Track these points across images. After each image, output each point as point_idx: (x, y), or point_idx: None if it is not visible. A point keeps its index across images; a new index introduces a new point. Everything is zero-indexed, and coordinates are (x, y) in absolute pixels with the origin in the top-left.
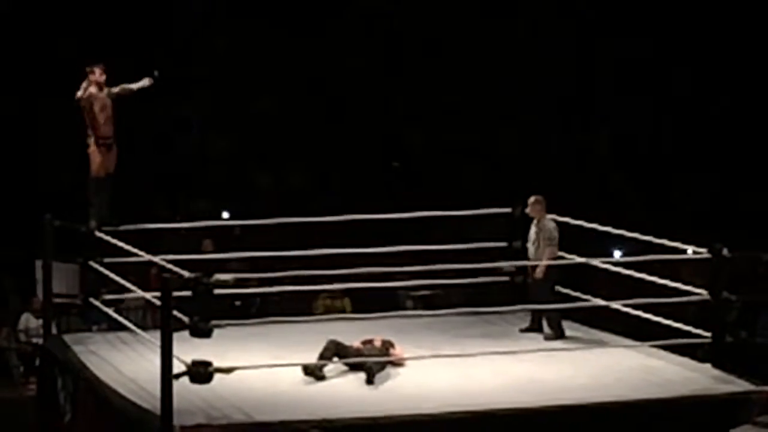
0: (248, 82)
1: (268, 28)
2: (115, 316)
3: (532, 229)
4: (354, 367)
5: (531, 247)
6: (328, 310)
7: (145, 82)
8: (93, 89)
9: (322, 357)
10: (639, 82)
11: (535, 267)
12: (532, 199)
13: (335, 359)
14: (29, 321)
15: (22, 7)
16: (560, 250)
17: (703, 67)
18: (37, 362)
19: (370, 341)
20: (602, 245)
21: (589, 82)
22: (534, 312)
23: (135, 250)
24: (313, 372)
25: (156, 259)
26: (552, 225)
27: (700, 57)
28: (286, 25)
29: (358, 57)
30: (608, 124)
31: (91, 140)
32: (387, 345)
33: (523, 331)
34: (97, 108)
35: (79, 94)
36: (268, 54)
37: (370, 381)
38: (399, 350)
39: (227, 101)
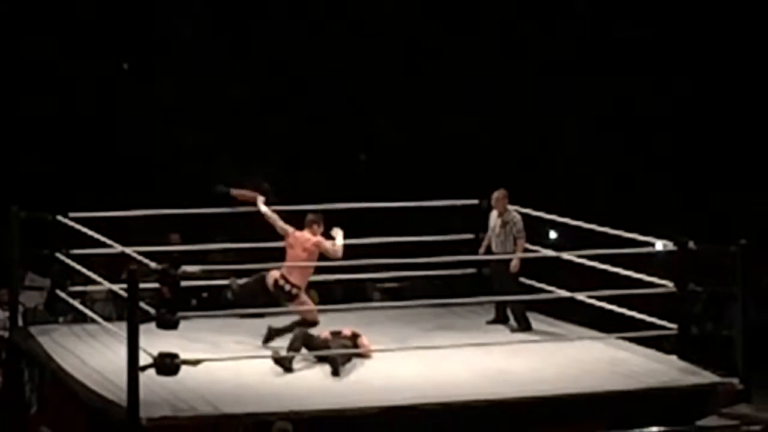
0: (219, 71)
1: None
2: (81, 307)
3: (496, 222)
4: (322, 359)
5: (496, 240)
6: None
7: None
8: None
9: (291, 347)
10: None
11: (502, 259)
12: (497, 193)
13: (303, 350)
14: None
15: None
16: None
17: (673, 62)
18: (3, 355)
19: (338, 333)
20: (569, 237)
21: (558, 74)
22: (498, 304)
23: (105, 240)
24: (283, 363)
25: (127, 250)
26: (519, 217)
27: (674, 52)
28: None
29: (329, 49)
30: (578, 116)
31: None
32: (355, 336)
33: (489, 323)
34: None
35: (318, 243)
36: (238, 44)
37: (335, 372)
38: (366, 342)
39: (197, 91)
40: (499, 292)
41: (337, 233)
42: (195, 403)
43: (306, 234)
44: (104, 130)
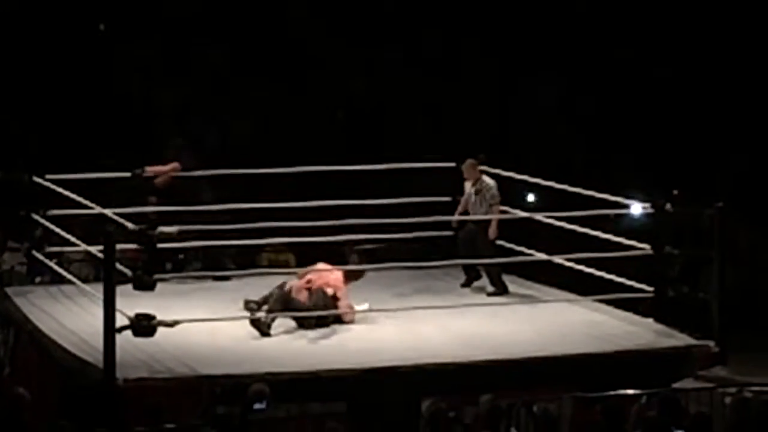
0: (196, 31)
1: None
2: (58, 268)
3: (471, 189)
4: (298, 319)
5: (472, 206)
6: (271, 264)
7: None
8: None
9: (270, 310)
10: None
11: (477, 223)
12: (465, 164)
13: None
14: None
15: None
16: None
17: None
18: None
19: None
20: (547, 199)
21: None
22: (466, 266)
23: (83, 201)
24: (260, 326)
25: (104, 211)
26: (493, 183)
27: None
28: None
29: (302, 9)
30: (555, 79)
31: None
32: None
33: (463, 286)
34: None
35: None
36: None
37: (302, 326)
38: (344, 303)
39: (174, 51)
40: (467, 255)
41: (363, 306)
42: (171, 365)
43: (335, 272)
44: (82, 89)
